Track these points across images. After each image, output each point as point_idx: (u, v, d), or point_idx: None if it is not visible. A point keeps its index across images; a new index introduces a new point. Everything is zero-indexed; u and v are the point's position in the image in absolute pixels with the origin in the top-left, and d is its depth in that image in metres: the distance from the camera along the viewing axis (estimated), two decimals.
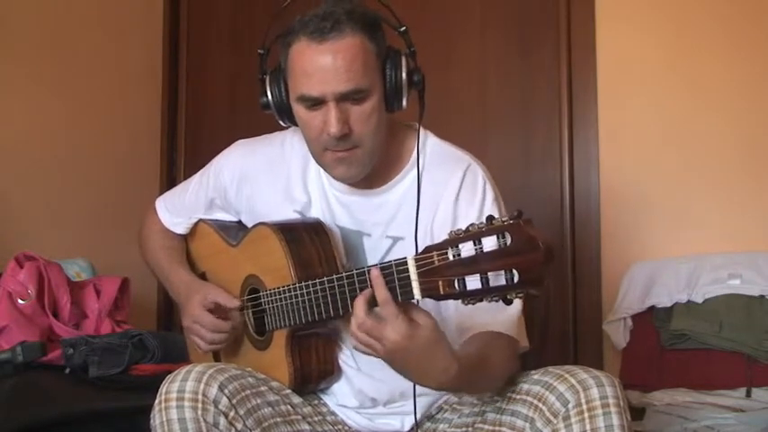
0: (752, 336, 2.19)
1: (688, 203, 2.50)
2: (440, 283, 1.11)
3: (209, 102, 3.18)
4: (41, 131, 2.56)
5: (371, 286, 1.18)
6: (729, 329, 2.22)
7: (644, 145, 2.57)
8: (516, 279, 1.05)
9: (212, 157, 1.68)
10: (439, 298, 1.13)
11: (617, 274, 2.50)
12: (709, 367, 2.22)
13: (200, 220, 1.70)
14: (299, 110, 1.39)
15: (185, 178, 1.79)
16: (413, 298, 1.16)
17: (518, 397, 1.35)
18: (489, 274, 1.06)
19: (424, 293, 1.14)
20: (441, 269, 1.11)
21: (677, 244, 2.49)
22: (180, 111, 3.18)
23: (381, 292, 1.17)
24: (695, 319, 2.26)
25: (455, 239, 1.09)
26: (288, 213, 1.52)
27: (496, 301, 1.09)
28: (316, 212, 1.52)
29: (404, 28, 1.40)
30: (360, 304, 1.19)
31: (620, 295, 2.44)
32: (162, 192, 1.94)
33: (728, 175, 2.46)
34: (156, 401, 1.30)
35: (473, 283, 1.08)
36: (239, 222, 1.65)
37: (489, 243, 1.06)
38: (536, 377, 1.34)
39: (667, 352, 2.30)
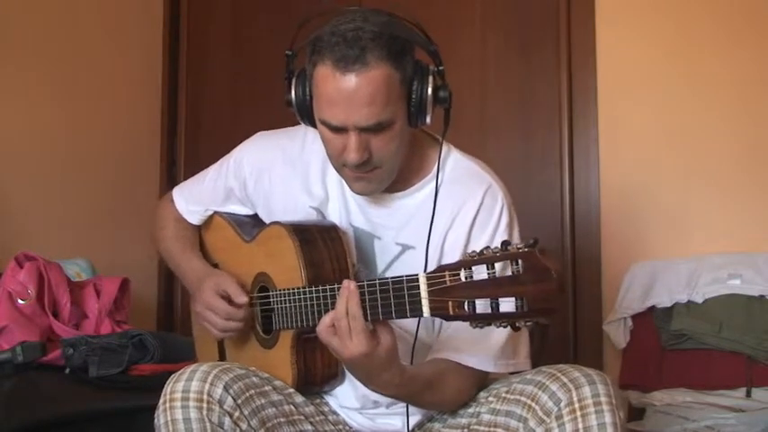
0: (752, 336, 2.19)
1: (688, 203, 2.50)
2: (449, 303, 1.11)
3: (209, 102, 3.17)
4: (41, 131, 2.56)
5: (347, 297, 1.22)
6: (729, 329, 2.21)
7: (644, 146, 2.58)
8: (527, 308, 1.04)
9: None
10: (448, 318, 1.13)
11: (617, 274, 2.50)
12: (709, 367, 2.22)
13: (215, 213, 1.69)
14: (321, 128, 1.38)
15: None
16: (422, 315, 1.16)
17: (511, 397, 1.35)
18: (500, 299, 1.06)
19: (433, 312, 1.14)
20: (452, 290, 1.11)
21: (677, 244, 2.49)
22: (180, 111, 3.17)
23: (353, 307, 1.21)
24: (695, 319, 2.26)
25: (469, 261, 1.09)
26: (304, 208, 1.52)
27: (504, 326, 1.09)
28: (332, 209, 1.51)
29: (434, 48, 1.36)
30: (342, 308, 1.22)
31: (620, 295, 2.44)
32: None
33: (728, 176, 2.46)
34: (161, 401, 1.30)
35: (483, 306, 1.08)
36: (254, 216, 1.64)
37: (502, 269, 1.06)
38: (529, 377, 1.35)
39: (667, 352, 2.30)
